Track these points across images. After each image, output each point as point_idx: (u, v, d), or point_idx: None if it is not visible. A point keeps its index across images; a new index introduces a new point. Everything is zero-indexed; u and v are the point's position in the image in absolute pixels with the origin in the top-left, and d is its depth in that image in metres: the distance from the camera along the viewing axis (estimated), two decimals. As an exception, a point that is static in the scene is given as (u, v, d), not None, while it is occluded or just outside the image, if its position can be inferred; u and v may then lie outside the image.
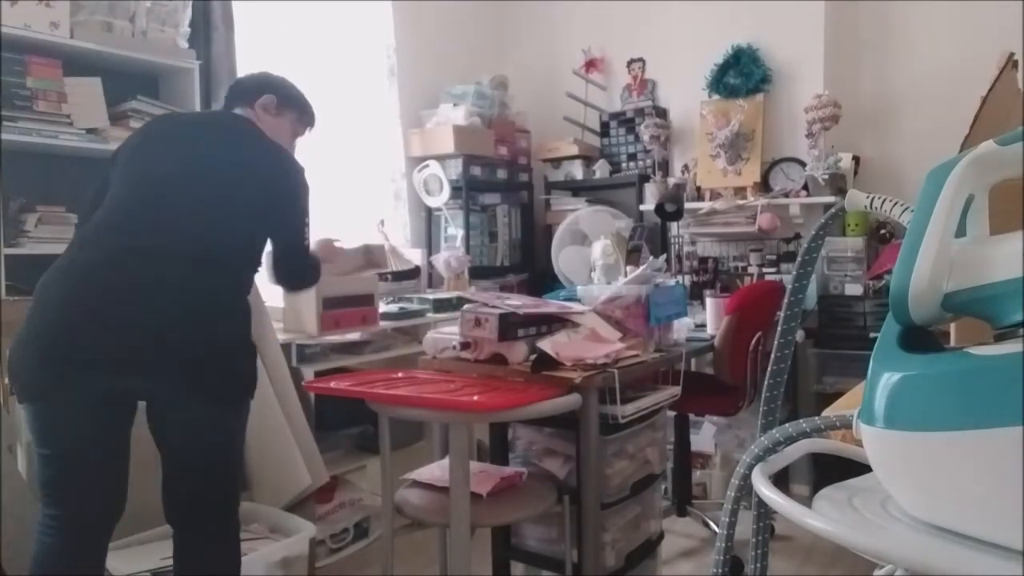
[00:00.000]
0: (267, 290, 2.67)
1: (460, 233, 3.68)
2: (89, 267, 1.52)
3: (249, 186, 1.69)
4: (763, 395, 0.99)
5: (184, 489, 1.59)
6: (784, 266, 3.37)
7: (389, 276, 3.09)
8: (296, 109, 1.94)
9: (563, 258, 2.70)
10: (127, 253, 1.53)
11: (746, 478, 0.86)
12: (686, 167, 3.69)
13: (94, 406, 1.51)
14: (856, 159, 3.36)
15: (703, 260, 3.62)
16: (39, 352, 1.48)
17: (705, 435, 3.30)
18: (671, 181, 3.62)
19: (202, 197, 1.63)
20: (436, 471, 1.91)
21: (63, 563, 1.53)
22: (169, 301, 1.50)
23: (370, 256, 2.56)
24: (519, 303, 1.99)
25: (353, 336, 2.73)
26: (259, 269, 1.77)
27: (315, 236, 1.94)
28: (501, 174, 3.92)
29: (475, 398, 1.65)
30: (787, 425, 0.85)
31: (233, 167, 1.70)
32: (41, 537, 1.54)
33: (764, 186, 3.41)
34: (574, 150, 3.97)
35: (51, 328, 1.48)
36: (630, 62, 4.09)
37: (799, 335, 2.95)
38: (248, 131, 1.80)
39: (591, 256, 2.43)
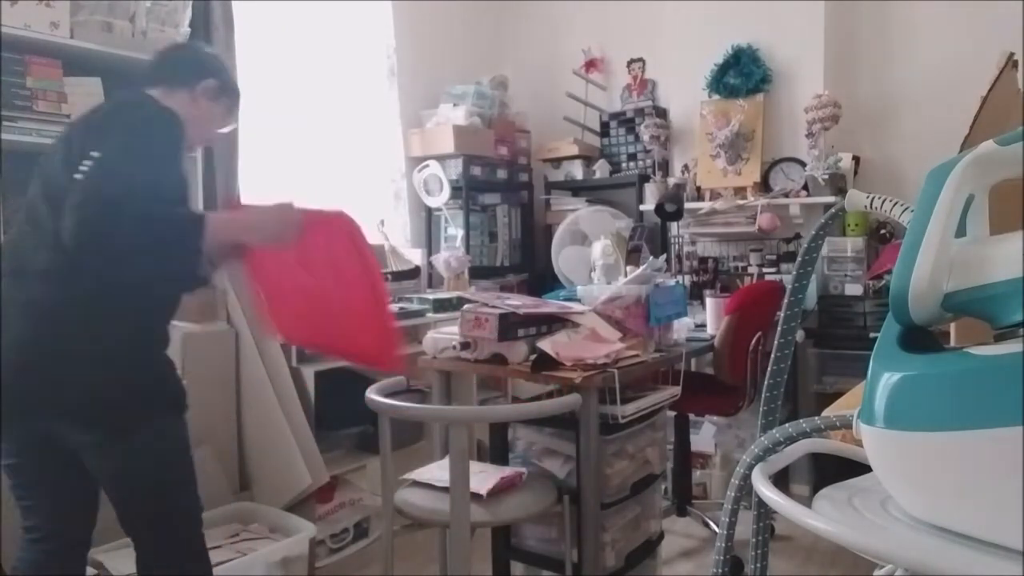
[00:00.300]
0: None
1: (460, 233, 3.68)
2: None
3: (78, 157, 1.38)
4: (763, 395, 0.99)
5: (116, 510, 1.49)
6: (784, 266, 3.37)
7: (389, 276, 3.09)
8: (233, 98, 1.71)
9: (563, 258, 2.69)
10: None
11: (746, 478, 0.86)
12: (686, 167, 3.68)
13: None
14: (856, 159, 3.36)
15: (703, 260, 3.61)
16: None
17: (705, 435, 3.30)
18: (671, 181, 3.62)
19: (41, 196, 1.44)
20: (436, 471, 1.91)
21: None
22: (17, 328, 1.37)
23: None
24: (519, 303, 1.99)
25: (353, 336, 2.72)
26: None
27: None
28: (501, 174, 3.92)
29: None
30: (787, 425, 0.85)
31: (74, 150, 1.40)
32: (19, 552, 1.55)
33: (764, 186, 3.40)
34: (574, 150, 3.97)
35: None
36: (630, 62, 4.09)
37: (799, 335, 2.95)
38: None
39: (591, 256, 2.43)
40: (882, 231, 3.31)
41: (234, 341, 2.46)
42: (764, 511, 0.95)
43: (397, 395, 1.86)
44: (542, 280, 3.84)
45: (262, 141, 3.12)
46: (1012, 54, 1.56)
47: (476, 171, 3.72)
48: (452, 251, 3.48)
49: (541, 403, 1.78)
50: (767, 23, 3.43)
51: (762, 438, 0.87)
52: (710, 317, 2.70)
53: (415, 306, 2.99)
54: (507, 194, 4.03)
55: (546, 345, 1.88)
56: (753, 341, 2.60)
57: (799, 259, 0.95)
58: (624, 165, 3.99)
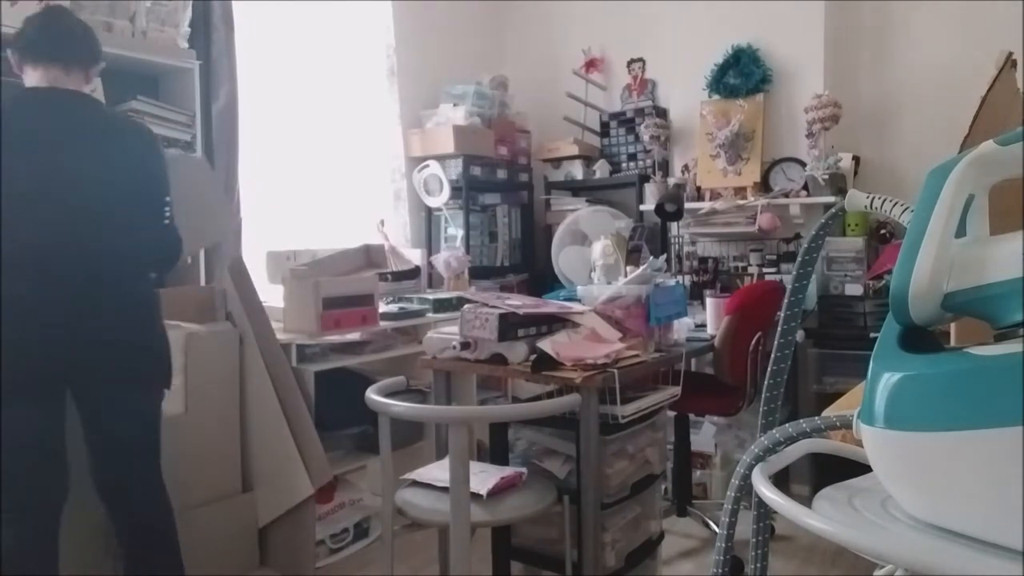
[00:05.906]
0: (267, 290, 2.68)
1: (460, 233, 3.68)
2: None
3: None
4: (763, 395, 0.99)
5: None
6: (784, 266, 3.37)
7: (389, 276, 3.09)
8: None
9: (563, 258, 2.69)
10: None
11: (746, 478, 0.86)
12: (686, 167, 3.68)
13: None
14: (856, 159, 3.36)
15: (703, 260, 3.61)
16: None
17: (705, 435, 3.30)
18: (671, 181, 3.62)
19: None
20: (436, 471, 1.91)
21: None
22: None
23: (370, 256, 2.55)
24: (519, 303, 1.99)
25: (353, 336, 2.72)
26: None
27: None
28: (501, 174, 3.92)
29: None
30: (787, 425, 0.85)
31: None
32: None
33: (764, 186, 3.40)
34: (574, 150, 3.97)
35: None
36: (630, 62, 4.09)
37: (799, 335, 2.95)
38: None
39: (591, 256, 2.43)
40: (882, 231, 3.30)
41: (237, 341, 2.44)
42: (764, 511, 0.95)
43: (397, 395, 1.86)
44: (542, 280, 3.83)
45: (262, 141, 3.12)
46: (1011, 54, 1.56)
47: (476, 171, 3.72)
48: (452, 251, 3.48)
49: (541, 403, 1.78)
50: (767, 23, 3.43)
51: (762, 438, 0.87)
52: (710, 317, 2.70)
53: (415, 306, 2.99)
54: (507, 194, 4.03)
55: (546, 345, 1.88)
56: (753, 341, 2.60)
57: (799, 259, 0.95)
58: (624, 165, 3.99)
